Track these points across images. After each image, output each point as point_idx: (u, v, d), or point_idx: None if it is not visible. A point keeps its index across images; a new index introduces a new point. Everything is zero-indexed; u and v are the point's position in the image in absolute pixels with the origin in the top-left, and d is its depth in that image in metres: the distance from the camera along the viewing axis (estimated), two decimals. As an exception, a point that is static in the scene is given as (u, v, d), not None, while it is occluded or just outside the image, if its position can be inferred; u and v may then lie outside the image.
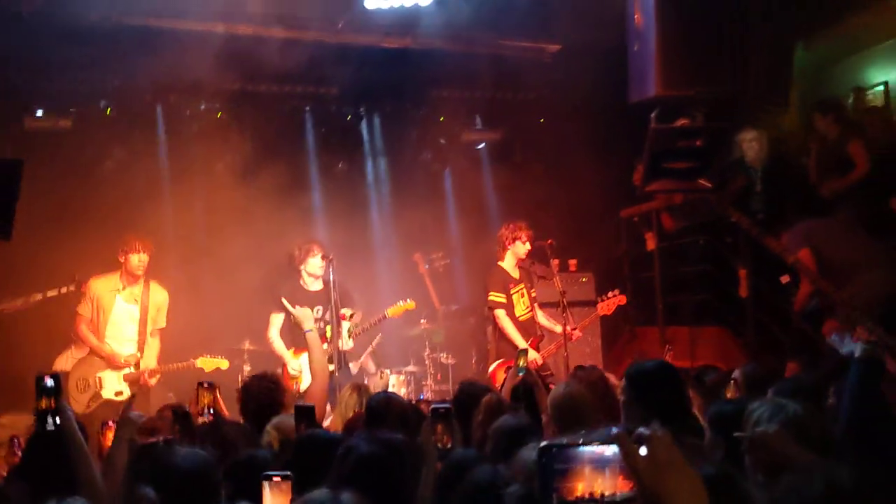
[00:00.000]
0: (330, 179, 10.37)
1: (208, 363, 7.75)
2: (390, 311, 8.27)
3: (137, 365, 7.75)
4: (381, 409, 4.42)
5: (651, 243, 10.03)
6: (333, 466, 2.97)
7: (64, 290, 7.77)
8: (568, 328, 7.86)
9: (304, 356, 7.70)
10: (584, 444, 1.58)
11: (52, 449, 3.43)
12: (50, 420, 3.32)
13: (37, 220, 7.91)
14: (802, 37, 8.92)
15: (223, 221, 9.46)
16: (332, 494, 2.20)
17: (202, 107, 9.79)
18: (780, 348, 8.41)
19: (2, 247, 6.78)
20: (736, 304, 9.18)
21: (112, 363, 7.69)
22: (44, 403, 3.33)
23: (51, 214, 8.61)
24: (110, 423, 5.03)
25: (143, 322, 7.78)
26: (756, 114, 8.17)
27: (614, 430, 1.56)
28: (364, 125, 10.67)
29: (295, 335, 7.89)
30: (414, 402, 6.54)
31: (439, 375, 9.12)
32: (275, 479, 2.82)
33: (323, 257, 7.80)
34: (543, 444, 1.59)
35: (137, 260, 7.70)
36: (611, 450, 1.56)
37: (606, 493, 1.55)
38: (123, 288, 7.79)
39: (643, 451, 1.54)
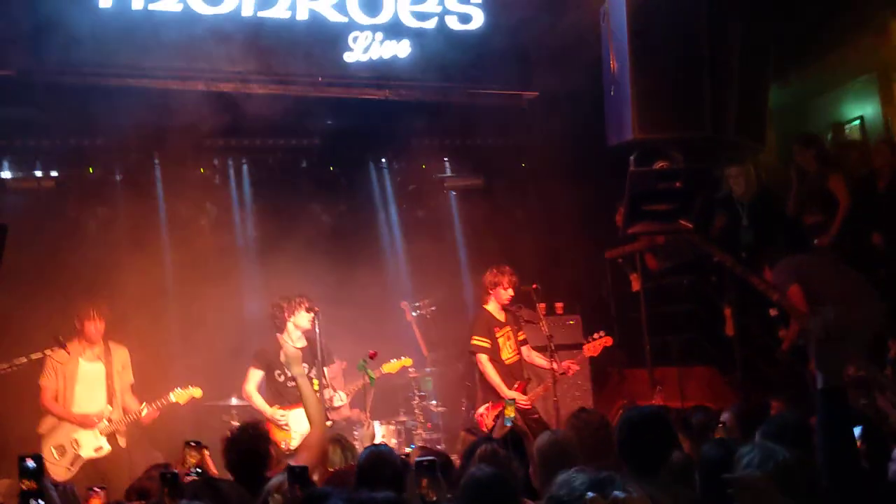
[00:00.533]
0: (314, 231, 10.38)
1: (181, 395, 7.86)
2: (386, 368, 8.29)
3: (110, 419, 7.83)
4: (372, 465, 4.37)
5: (636, 284, 10.08)
6: None
7: (48, 352, 7.72)
8: (558, 367, 7.88)
9: (293, 412, 7.67)
10: None
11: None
12: (33, 502, 3.32)
13: (20, 282, 7.90)
14: (779, 75, 9.06)
15: (208, 276, 9.45)
16: None
17: (187, 163, 9.81)
18: (768, 385, 8.42)
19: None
20: (723, 342, 9.20)
21: (86, 425, 7.74)
22: (25, 485, 3.33)
23: (34, 275, 8.58)
24: (96, 488, 4.99)
25: (109, 376, 7.93)
26: (735, 153, 8.26)
27: (590, 494, 1.56)
28: (345, 177, 10.71)
29: (277, 391, 7.89)
30: (405, 453, 6.49)
31: (430, 424, 9.06)
32: None
33: (308, 310, 7.81)
34: None
35: (94, 328, 7.89)
36: None
37: None
38: (83, 351, 7.94)
39: None
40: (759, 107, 7.58)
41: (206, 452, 5.27)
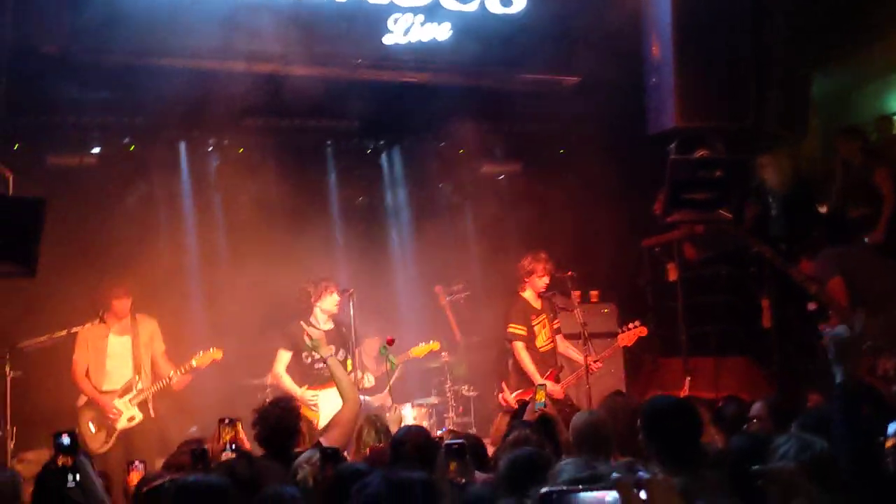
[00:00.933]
0: (350, 213, 10.42)
1: (203, 358, 8.01)
2: (414, 352, 8.34)
3: (140, 390, 8.00)
4: (405, 444, 4.41)
5: (673, 273, 10.00)
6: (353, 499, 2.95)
7: (88, 325, 7.86)
8: (589, 360, 7.84)
9: (322, 393, 7.71)
10: (585, 489, 1.58)
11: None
12: (70, 477, 3.36)
13: (60, 257, 8.01)
14: (822, 65, 8.91)
15: (246, 256, 9.55)
16: None
17: (224, 142, 9.88)
18: (804, 378, 8.33)
19: (26, 284, 6.88)
20: (760, 334, 9.11)
21: (107, 410, 7.86)
22: (60, 461, 3.36)
23: (74, 250, 8.71)
24: (136, 463, 5.08)
25: (135, 348, 8.09)
26: (775, 143, 8.15)
27: (615, 475, 1.56)
28: (384, 159, 10.72)
29: (305, 373, 7.93)
30: (436, 435, 6.52)
31: (461, 408, 9.09)
32: None
33: (341, 293, 7.84)
34: (544, 489, 1.58)
35: (121, 305, 8.06)
36: (611, 495, 1.55)
37: None
38: (112, 325, 8.11)
39: (643, 495, 1.53)
40: (802, 97, 7.49)
41: (240, 429, 5.32)
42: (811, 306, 8.23)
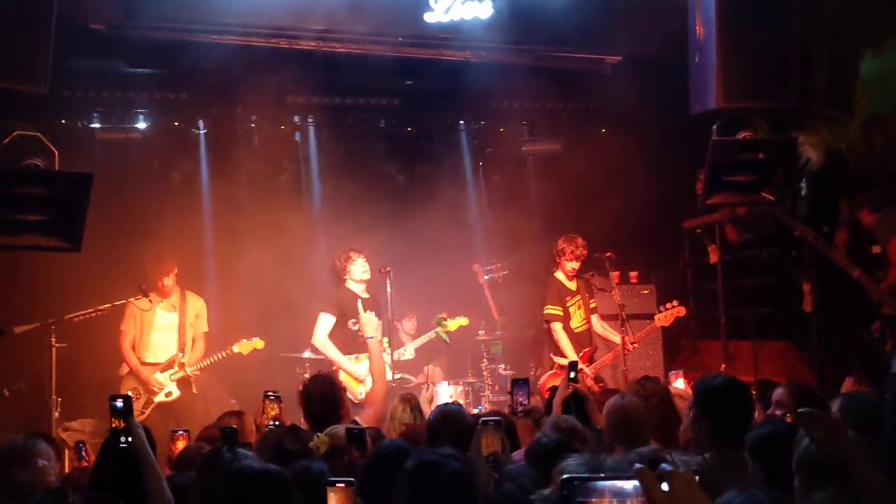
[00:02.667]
0: (390, 190, 10.46)
1: (244, 346, 8.12)
2: (447, 325, 8.32)
3: (182, 365, 8.13)
4: (443, 423, 4.43)
5: (714, 256, 9.91)
6: (410, 479, 2.95)
7: (132, 299, 8.00)
8: (626, 340, 7.82)
9: (364, 361, 7.74)
10: (607, 478, 1.59)
11: (123, 464, 3.54)
12: (122, 438, 3.46)
13: (105, 231, 8.16)
14: (871, 43, 8.73)
15: (288, 231, 9.63)
16: None
17: (268, 119, 9.96)
18: (844, 363, 8.23)
19: (72, 258, 7.00)
20: (800, 318, 9.01)
21: (147, 383, 8.02)
22: (114, 423, 3.47)
23: (119, 225, 8.87)
24: (180, 432, 5.18)
25: (182, 326, 8.27)
26: (819, 124, 8.01)
27: (637, 465, 1.57)
28: (424, 137, 10.73)
29: (348, 340, 7.91)
30: (473, 413, 6.54)
31: (497, 387, 9.11)
32: (338, 485, 2.90)
33: (362, 260, 7.86)
34: (565, 476, 1.60)
35: (166, 282, 8.21)
36: (632, 483, 1.56)
37: None
38: (161, 300, 8.28)
39: (664, 486, 1.54)
40: (849, 76, 7.33)
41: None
42: (874, 250, 8.03)
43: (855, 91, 7.28)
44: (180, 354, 8.19)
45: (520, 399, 4.68)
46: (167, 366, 8.13)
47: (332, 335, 7.91)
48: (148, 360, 8.15)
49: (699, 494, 1.55)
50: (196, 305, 8.40)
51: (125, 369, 8.14)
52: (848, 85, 7.22)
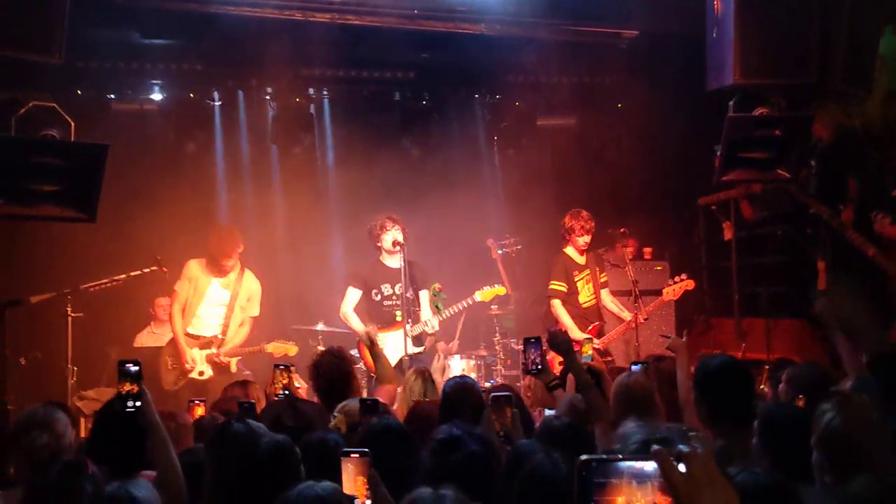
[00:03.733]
0: (405, 164, 10.44)
1: (278, 348, 7.90)
2: (479, 295, 8.19)
3: (220, 346, 7.98)
4: (457, 397, 4.44)
5: (729, 232, 9.85)
6: (432, 455, 2.98)
7: (146, 270, 8.02)
8: (639, 316, 7.81)
9: (388, 336, 7.78)
10: (624, 459, 1.59)
11: (127, 428, 3.58)
12: (131, 403, 3.50)
13: (120, 202, 8.21)
14: (890, 19, 8.61)
15: (300, 203, 9.65)
16: (435, 493, 2.19)
17: (282, 92, 9.94)
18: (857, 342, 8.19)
19: (87, 228, 7.05)
20: (814, 296, 8.96)
21: (182, 356, 7.90)
22: (126, 387, 3.50)
23: (134, 196, 8.91)
24: (196, 401, 5.25)
25: (230, 307, 8.01)
26: (832, 100, 7.92)
27: (654, 447, 1.56)
28: (440, 110, 10.69)
29: (371, 311, 7.92)
30: (484, 387, 6.56)
31: (509, 361, 9.13)
32: (352, 455, 2.92)
33: (403, 231, 7.79)
34: (583, 457, 1.60)
35: (234, 261, 8.00)
36: (651, 465, 1.56)
37: None
38: (220, 274, 8.03)
39: (682, 467, 1.53)
40: (868, 52, 7.26)
41: (295, 375, 5.43)
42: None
43: (874, 67, 7.20)
44: (220, 336, 7.98)
45: (532, 358, 4.67)
46: (205, 345, 7.95)
47: (359, 306, 7.96)
48: (191, 331, 7.98)
49: (716, 473, 1.55)
50: (250, 288, 8.12)
51: (140, 340, 8.17)
52: (866, 61, 7.15)
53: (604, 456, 1.61)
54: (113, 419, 3.66)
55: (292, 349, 7.96)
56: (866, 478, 2.47)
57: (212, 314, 8.03)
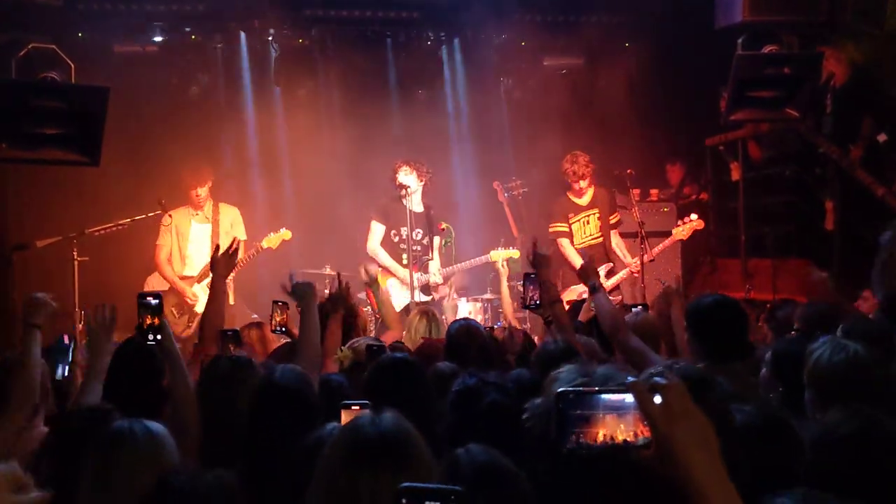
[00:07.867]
0: (410, 106, 10.35)
1: (273, 240, 8.05)
2: (494, 255, 8.21)
3: None
4: (463, 339, 4.46)
5: (736, 173, 9.80)
6: (451, 408, 2.97)
7: (151, 214, 8.03)
8: (645, 258, 7.80)
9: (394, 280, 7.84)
10: (602, 391, 1.58)
11: (146, 361, 3.62)
12: (151, 336, 3.51)
13: (124, 146, 8.17)
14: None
15: (302, 146, 9.61)
16: (372, 416, 2.17)
17: (284, 33, 9.82)
18: (864, 281, 8.18)
19: (90, 172, 7.04)
20: (821, 236, 8.93)
21: (185, 295, 8.07)
22: (147, 320, 3.51)
23: (138, 140, 8.87)
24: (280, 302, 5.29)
25: (215, 235, 8.17)
26: (846, 39, 7.79)
27: (629, 378, 1.56)
28: (444, 51, 10.56)
29: (392, 251, 7.95)
30: (491, 329, 6.58)
31: (516, 304, 9.13)
32: (353, 407, 2.92)
33: (419, 175, 7.82)
34: (560, 389, 1.59)
35: (205, 191, 8.17)
36: (631, 396, 1.56)
37: (628, 439, 1.56)
38: (195, 213, 8.25)
39: (657, 399, 1.53)
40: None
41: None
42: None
43: (885, 4, 7.07)
44: None
45: (531, 294, 4.69)
46: (201, 276, 8.11)
47: (382, 243, 7.98)
48: (186, 273, 8.18)
49: (691, 406, 1.55)
50: (230, 213, 8.35)
51: (153, 282, 8.21)
52: (879, -3, 7.02)
53: (581, 388, 1.61)
54: (131, 357, 3.67)
55: (286, 234, 8.10)
56: (843, 410, 2.48)
57: (200, 251, 8.19)
